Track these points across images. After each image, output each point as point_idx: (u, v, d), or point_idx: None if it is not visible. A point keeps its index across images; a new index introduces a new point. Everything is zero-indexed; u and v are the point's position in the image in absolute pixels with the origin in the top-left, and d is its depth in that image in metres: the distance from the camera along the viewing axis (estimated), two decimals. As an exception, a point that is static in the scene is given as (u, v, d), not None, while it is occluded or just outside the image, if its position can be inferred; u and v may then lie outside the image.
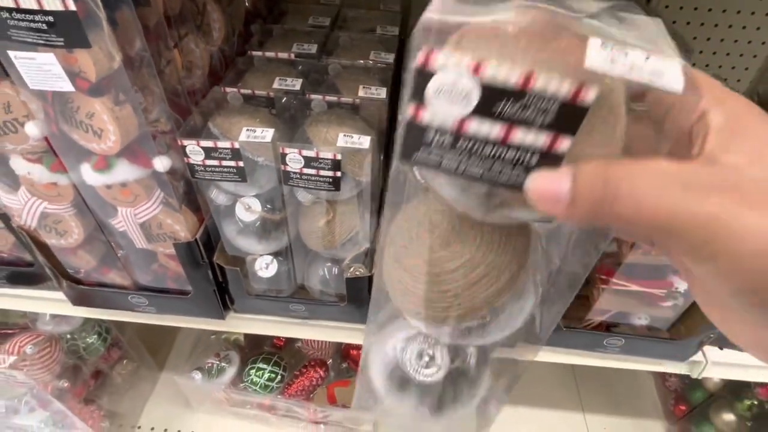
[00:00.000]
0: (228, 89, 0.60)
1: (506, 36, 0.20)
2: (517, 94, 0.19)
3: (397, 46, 0.73)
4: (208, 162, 0.53)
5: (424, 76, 0.20)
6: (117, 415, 1.07)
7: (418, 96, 0.21)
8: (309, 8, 0.81)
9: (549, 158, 0.21)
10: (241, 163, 0.53)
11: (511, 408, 1.19)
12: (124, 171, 0.54)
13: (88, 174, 0.54)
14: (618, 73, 0.19)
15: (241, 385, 1.00)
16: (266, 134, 0.52)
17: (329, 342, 1.06)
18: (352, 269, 0.67)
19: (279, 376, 1.00)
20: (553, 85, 0.19)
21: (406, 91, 0.21)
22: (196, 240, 0.61)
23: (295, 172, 0.54)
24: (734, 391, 0.99)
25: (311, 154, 0.52)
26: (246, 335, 1.10)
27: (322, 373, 1.02)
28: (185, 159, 0.53)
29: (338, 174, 0.53)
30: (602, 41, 0.19)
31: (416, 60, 0.20)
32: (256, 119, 0.56)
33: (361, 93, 0.61)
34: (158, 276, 0.69)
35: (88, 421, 0.96)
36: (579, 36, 0.20)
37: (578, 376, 1.27)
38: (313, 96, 0.60)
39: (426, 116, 0.21)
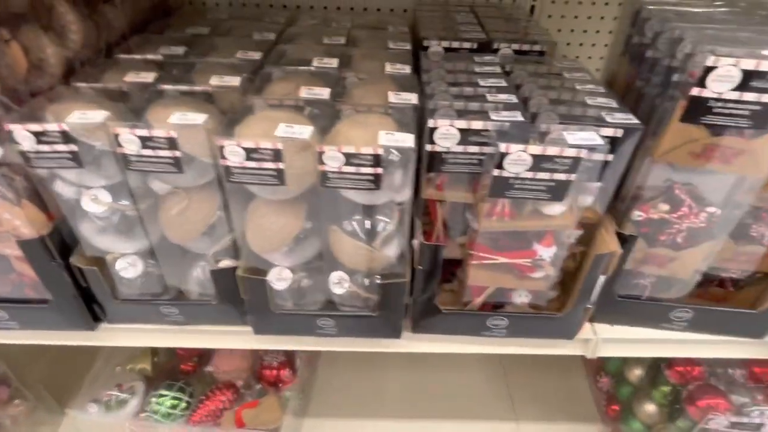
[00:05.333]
0: (79, 84, 0.60)
1: None
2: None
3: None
4: (40, 147, 0.52)
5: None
6: (9, 465, 0.97)
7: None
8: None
9: None
10: (74, 147, 0.52)
11: (444, 422, 1.14)
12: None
13: None
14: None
15: (143, 415, 0.94)
16: (97, 116, 0.52)
17: (241, 363, 1.01)
18: (220, 262, 0.65)
19: (183, 402, 0.94)
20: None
21: None
22: (43, 237, 0.59)
23: (133, 154, 0.53)
24: (651, 381, 0.98)
25: (145, 133, 0.51)
26: (153, 364, 1.04)
27: (230, 395, 0.96)
28: (16, 147, 0.52)
29: (177, 154, 0.53)
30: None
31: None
32: (94, 104, 0.55)
33: (214, 81, 0.62)
34: (16, 285, 0.66)
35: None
36: None
37: (510, 385, 1.24)
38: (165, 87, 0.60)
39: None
